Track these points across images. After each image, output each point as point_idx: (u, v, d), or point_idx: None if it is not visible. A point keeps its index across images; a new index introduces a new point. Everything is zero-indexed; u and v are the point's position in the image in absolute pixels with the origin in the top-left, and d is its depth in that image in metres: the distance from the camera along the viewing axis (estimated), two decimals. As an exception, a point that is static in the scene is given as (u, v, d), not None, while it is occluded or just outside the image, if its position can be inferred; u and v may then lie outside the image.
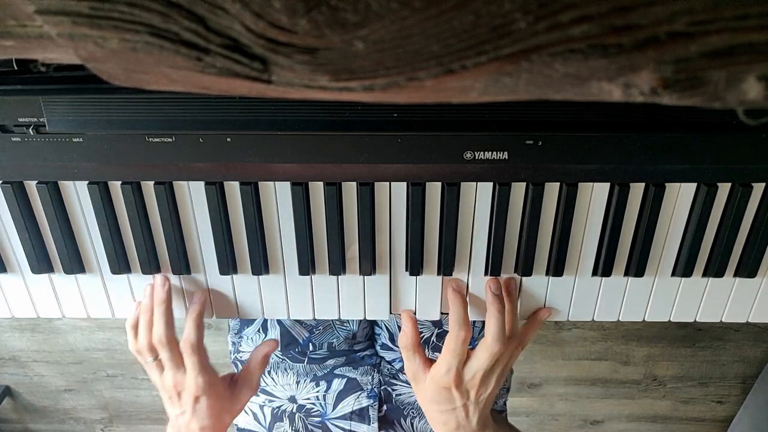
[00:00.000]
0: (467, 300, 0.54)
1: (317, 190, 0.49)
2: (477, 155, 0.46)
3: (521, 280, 0.54)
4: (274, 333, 0.73)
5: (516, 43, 0.16)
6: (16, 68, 0.43)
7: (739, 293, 0.54)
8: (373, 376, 0.76)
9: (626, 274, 0.53)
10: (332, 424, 0.73)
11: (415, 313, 0.56)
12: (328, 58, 0.18)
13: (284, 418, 0.73)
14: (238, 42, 0.18)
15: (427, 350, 0.73)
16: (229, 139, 0.45)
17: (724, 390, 1.62)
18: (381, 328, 0.78)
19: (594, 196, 0.49)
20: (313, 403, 0.74)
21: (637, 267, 0.52)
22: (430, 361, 0.55)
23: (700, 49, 0.16)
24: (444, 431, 0.55)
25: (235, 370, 0.78)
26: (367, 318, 0.56)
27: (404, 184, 0.49)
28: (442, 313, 0.56)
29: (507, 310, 0.53)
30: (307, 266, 0.52)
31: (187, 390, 0.54)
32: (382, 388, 0.75)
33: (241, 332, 0.75)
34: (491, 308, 0.51)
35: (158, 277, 0.53)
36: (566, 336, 1.53)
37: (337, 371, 0.76)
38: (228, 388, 0.58)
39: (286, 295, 0.55)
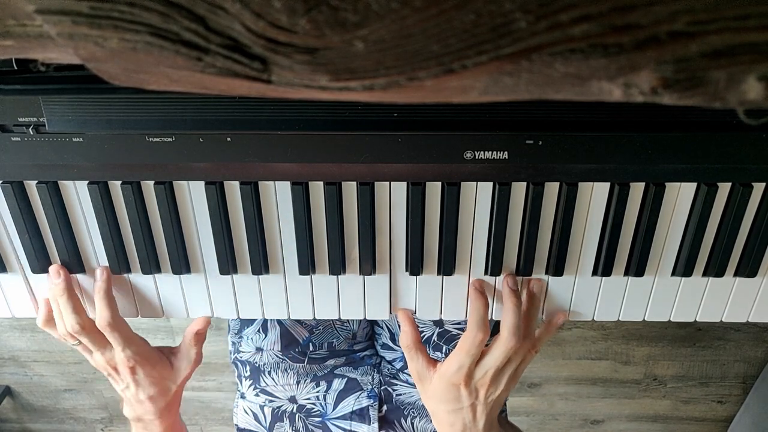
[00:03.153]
0: (488, 302, 0.53)
1: (317, 189, 0.49)
2: (477, 155, 0.46)
3: (522, 280, 0.54)
4: (274, 333, 0.73)
5: (516, 42, 0.16)
6: (16, 68, 0.43)
7: (740, 293, 0.54)
8: (373, 376, 0.76)
9: (626, 273, 0.53)
10: (332, 424, 0.73)
11: (415, 313, 0.56)
12: (328, 58, 0.18)
13: (284, 418, 0.73)
14: (238, 42, 0.18)
15: (428, 349, 0.73)
16: (229, 139, 0.45)
17: (724, 390, 1.62)
18: (381, 327, 0.78)
19: (594, 195, 0.49)
20: (313, 403, 0.74)
21: (637, 267, 0.52)
22: (434, 360, 0.55)
23: (701, 49, 0.16)
24: None
25: (236, 370, 0.78)
26: (367, 318, 0.56)
27: (404, 183, 0.49)
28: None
29: (526, 309, 0.53)
30: (307, 266, 0.52)
31: (120, 364, 0.55)
32: (383, 388, 0.75)
33: (241, 332, 0.75)
34: (508, 302, 0.51)
35: (51, 268, 0.52)
36: (566, 336, 1.53)
37: (337, 371, 0.76)
38: (165, 357, 0.58)
39: (286, 295, 0.55)
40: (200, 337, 0.58)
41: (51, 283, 0.52)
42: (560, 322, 0.55)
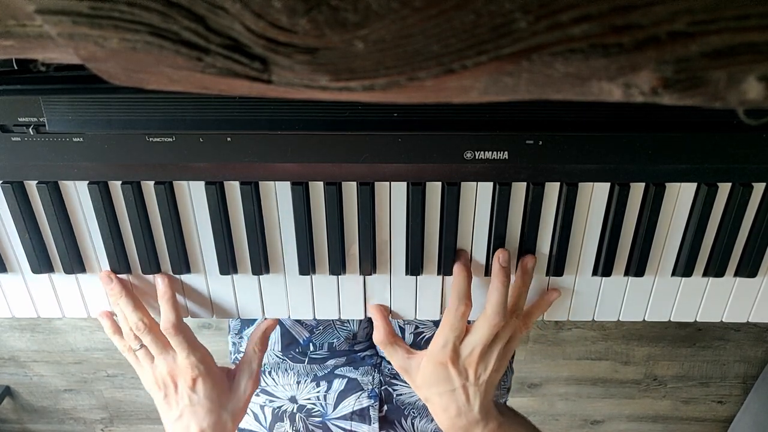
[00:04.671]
0: (472, 275, 0.52)
1: (317, 189, 0.49)
2: (477, 155, 0.46)
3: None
4: (275, 333, 0.73)
5: (516, 42, 0.16)
6: (16, 68, 0.43)
7: (740, 293, 0.54)
8: (373, 376, 0.76)
9: (626, 273, 0.53)
10: (333, 424, 0.73)
11: (415, 314, 0.56)
12: (328, 58, 0.18)
13: (285, 419, 0.73)
14: (238, 42, 0.18)
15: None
16: (229, 139, 0.45)
17: (724, 390, 1.62)
18: (381, 328, 0.78)
19: (594, 196, 0.49)
20: (313, 404, 0.74)
21: (637, 267, 0.52)
22: (412, 348, 0.55)
23: (701, 49, 0.16)
24: (445, 418, 0.54)
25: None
26: (367, 318, 0.56)
27: (404, 183, 0.49)
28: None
29: (516, 286, 0.52)
30: (307, 266, 0.52)
31: (181, 375, 0.53)
32: (383, 388, 0.75)
33: (241, 332, 0.75)
34: (495, 280, 0.50)
35: (101, 275, 0.53)
36: (566, 336, 1.53)
37: (337, 371, 0.76)
38: (225, 376, 0.57)
39: (286, 295, 0.55)
40: (266, 340, 0.58)
41: (106, 290, 0.53)
42: (553, 299, 0.54)
